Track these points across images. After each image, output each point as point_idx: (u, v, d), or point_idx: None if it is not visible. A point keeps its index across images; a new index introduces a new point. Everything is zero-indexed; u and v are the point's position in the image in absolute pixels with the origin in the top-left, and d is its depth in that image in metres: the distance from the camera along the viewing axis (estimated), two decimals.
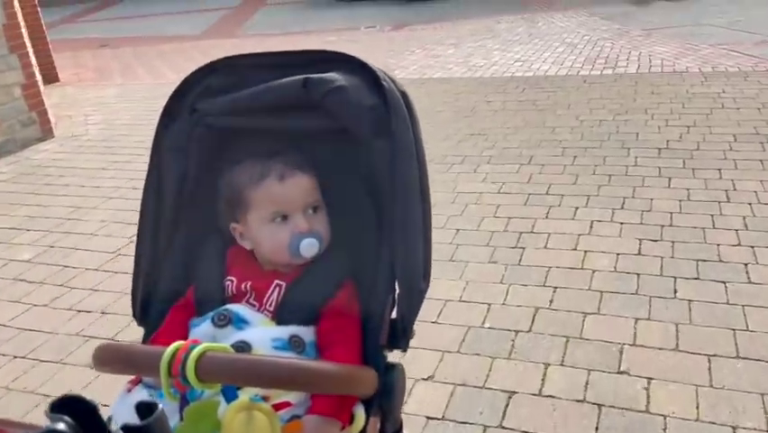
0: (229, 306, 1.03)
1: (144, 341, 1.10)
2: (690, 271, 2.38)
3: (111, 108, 6.14)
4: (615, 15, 8.57)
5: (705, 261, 2.44)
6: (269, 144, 1.08)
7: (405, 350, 1.02)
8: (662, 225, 2.73)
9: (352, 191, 1.09)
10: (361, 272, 1.06)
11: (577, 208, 2.99)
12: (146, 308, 1.13)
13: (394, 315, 1.03)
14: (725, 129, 3.82)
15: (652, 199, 2.99)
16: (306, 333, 1.00)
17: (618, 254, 2.55)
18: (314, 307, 1.02)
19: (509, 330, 2.14)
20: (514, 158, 3.73)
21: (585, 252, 2.60)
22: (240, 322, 0.99)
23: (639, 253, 2.54)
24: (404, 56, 7.45)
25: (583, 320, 2.15)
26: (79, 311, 2.54)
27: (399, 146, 0.97)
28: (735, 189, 3.01)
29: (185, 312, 1.08)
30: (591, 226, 2.80)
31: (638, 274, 2.39)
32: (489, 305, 2.30)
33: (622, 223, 2.80)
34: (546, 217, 2.93)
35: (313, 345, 1.00)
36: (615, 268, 2.45)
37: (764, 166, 3.24)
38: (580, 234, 2.74)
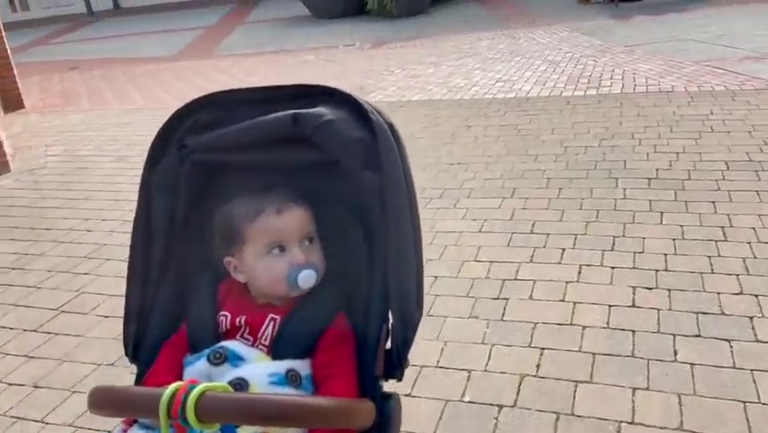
0: (224, 343, 1.02)
1: (138, 379, 1.10)
2: (690, 327, 2.14)
3: (74, 138, 5.85)
4: (596, 31, 8.44)
5: (705, 313, 2.21)
6: (261, 178, 1.10)
7: (400, 379, 1.02)
8: (657, 270, 2.50)
9: (343, 222, 1.11)
10: (354, 303, 1.07)
11: (564, 250, 2.76)
12: (138, 347, 1.13)
13: (388, 345, 1.03)
14: (716, 156, 3.63)
15: (644, 238, 2.77)
16: (302, 366, 1.01)
17: (611, 306, 2.31)
18: (309, 339, 1.03)
19: (492, 405, 1.89)
20: (496, 191, 3.50)
21: (574, 303, 2.36)
22: (235, 359, 0.99)
23: (633, 305, 2.31)
24: (383, 76, 7.24)
25: (575, 391, 1.91)
26: (9, 384, 2.26)
27: (388, 177, 0.97)
28: (731, 226, 2.80)
29: (178, 349, 1.08)
30: (580, 272, 2.56)
31: (633, 331, 2.16)
32: (470, 372, 2.05)
33: (613, 267, 2.57)
34: (531, 261, 2.70)
35: (309, 379, 1.00)
36: (607, 324, 2.22)
37: (761, 198, 3.03)
38: (567, 282, 2.50)
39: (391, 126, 1.02)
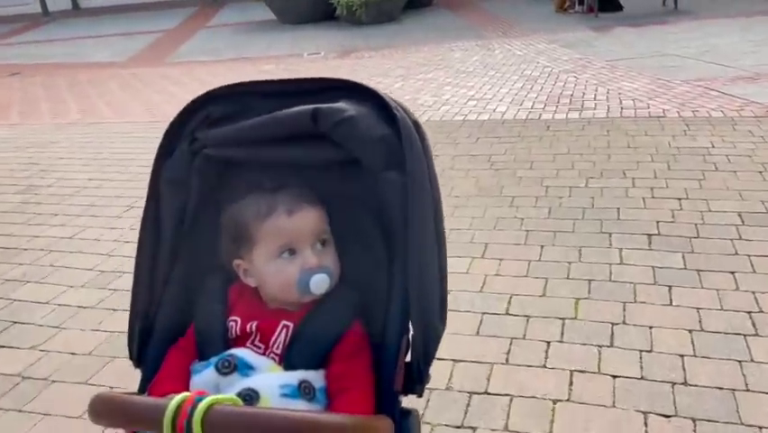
0: (233, 350, 0.98)
1: (142, 385, 1.04)
2: None
3: None
4: (575, 43, 7.91)
5: None
6: (274, 176, 1.05)
7: (420, 395, 0.96)
8: (673, 384, 1.88)
9: (361, 225, 1.06)
10: (372, 311, 1.02)
11: (549, 344, 2.13)
12: (143, 349, 1.08)
13: (407, 358, 0.96)
14: (726, 204, 3.04)
15: (651, 328, 2.15)
16: (316, 378, 0.96)
17: None
18: (323, 349, 0.98)
19: None
20: (464, 247, 2.86)
21: None
22: (245, 368, 0.95)
23: None
24: None
25: None
26: None
27: (412, 179, 0.92)
28: (760, 310, 2.19)
29: (185, 355, 1.04)
30: (571, 383, 1.93)
31: None
32: None
33: (614, 376, 1.94)
34: (506, 362, 2.06)
35: (323, 391, 0.95)
36: None
37: None
38: (556, 400, 1.87)
39: (417, 125, 0.96)
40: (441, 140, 4.52)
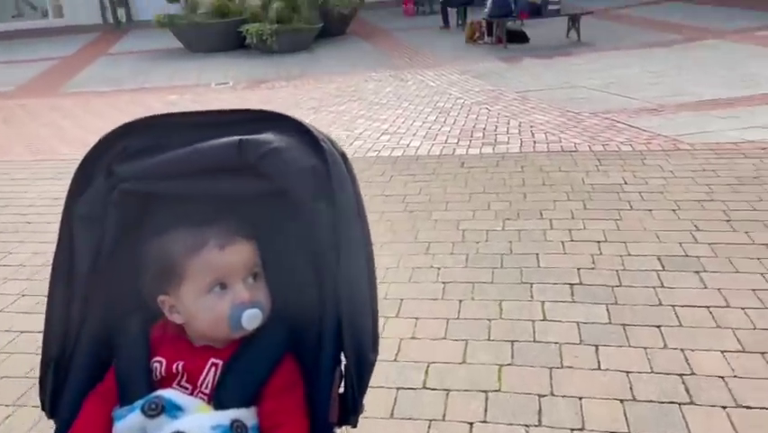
0: (160, 392, 0.94)
1: None
2: None
3: None
4: (487, 74, 7.95)
5: None
6: (200, 209, 1.01)
7: (354, 425, 0.96)
8: None
9: (290, 257, 1.04)
10: (304, 344, 1.00)
11: (472, 426, 1.88)
12: (57, 399, 1.02)
13: (341, 389, 0.95)
14: (644, 247, 2.94)
15: (581, 400, 1.95)
16: (248, 416, 0.93)
17: None
18: (255, 386, 0.95)
19: None
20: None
21: None
22: (174, 409, 0.92)
23: None
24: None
25: None
26: None
27: (341, 209, 0.93)
28: (692, 373, 2.04)
29: (104, 401, 0.98)
30: None
31: None
32: None
33: None
34: None
35: (256, 429, 0.93)
36: None
37: (717, 320, 2.33)
38: None
39: (344, 156, 0.97)
40: None
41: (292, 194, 0.97)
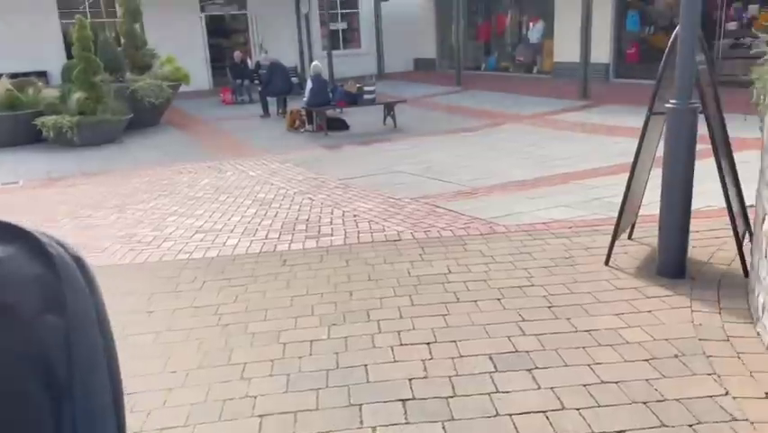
0: None
1: None
2: None
3: None
4: (309, 161, 7.85)
5: None
6: None
7: None
8: None
9: (17, 383, 0.74)
10: None
11: None
12: None
13: None
14: (475, 345, 2.79)
15: None
16: None
17: None
18: None
19: None
20: None
21: None
22: None
23: None
24: (42, 228, 5.38)
25: None
26: None
27: (75, 319, 0.72)
28: None
29: None
30: None
31: None
32: None
33: None
34: None
35: None
36: None
37: (554, 425, 2.17)
38: None
39: (79, 260, 0.72)
40: (157, 287, 3.73)
41: (16, 309, 0.74)
